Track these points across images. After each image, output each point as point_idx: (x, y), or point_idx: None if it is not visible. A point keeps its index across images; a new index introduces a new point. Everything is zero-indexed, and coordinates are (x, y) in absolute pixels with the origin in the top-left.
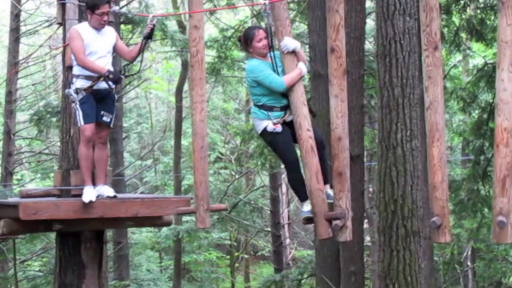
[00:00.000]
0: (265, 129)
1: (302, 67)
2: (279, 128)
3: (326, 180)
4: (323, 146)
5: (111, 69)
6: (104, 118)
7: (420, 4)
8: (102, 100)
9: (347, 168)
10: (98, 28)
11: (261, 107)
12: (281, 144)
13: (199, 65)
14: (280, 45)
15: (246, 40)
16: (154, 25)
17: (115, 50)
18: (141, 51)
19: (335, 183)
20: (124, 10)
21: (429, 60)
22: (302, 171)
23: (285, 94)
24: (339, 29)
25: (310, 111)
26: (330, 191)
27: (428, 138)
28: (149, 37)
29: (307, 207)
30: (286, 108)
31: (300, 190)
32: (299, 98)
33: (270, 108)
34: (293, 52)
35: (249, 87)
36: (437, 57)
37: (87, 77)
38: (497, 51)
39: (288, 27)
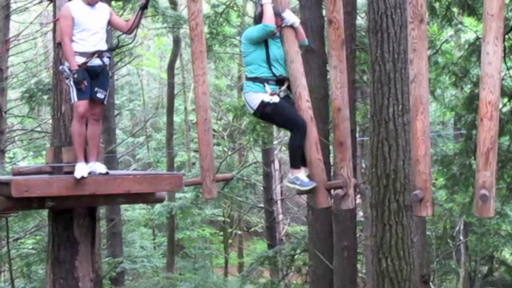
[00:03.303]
0: (262, 102)
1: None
2: (276, 98)
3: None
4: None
5: (105, 47)
6: (98, 95)
7: None
8: (96, 77)
9: (347, 137)
10: (91, 3)
11: (255, 79)
12: (286, 109)
13: (199, 38)
14: (281, 19)
15: (258, 17)
16: None
17: (111, 25)
18: (137, 22)
19: (336, 152)
20: None
21: (414, 33)
22: None
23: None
24: (336, 0)
25: None
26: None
27: (412, 111)
28: (145, 7)
29: (305, 176)
30: (281, 82)
31: (300, 156)
32: (299, 69)
33: (265, 80)
34: (292, 28)
35: (244, 56)
36: (422, 30)
37: (81, 54)
38: (483, 24)
39: None
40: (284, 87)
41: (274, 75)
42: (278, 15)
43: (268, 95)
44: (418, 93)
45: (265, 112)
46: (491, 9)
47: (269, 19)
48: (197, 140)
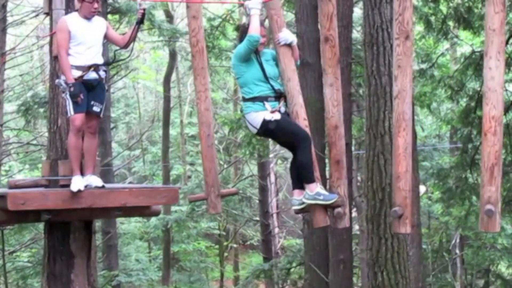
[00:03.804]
0: (264, 120)
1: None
2: (277, 115)
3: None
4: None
5: (101, 60)
6: (94, 108)
7: None
8: (92, 90)
9: (343, 155)
10: (88, 17)
11: (254, 99)
12: (290, 125)
13: (200, 55)
14: (277, 36)
15: (242, 34)
16: (144, 9)
17: (107, 39)
18: (134, 36)
19: (332, 170)
20: None
21: (399, 49)
22: None
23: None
24: (332, 18)
25: None
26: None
27: (394, 127)
28: (141, 21)
29: (322, 189)
30: (279, 97)
31: (312, 169)
32: (295, 87)
33: (264, 98)
34: (289, 46)
35: (238, 77)
36: (407, 47)
37: (78, 67)
38: (485, 39)
39: (282, 16)
40: (282, 102)
41: (274, 91)
42: (262, 25)
43: (269, 112)
44: (401, 109)
45: (268, 129)
46: (493, 24)
47: (254, 29)
48: (201, 155)
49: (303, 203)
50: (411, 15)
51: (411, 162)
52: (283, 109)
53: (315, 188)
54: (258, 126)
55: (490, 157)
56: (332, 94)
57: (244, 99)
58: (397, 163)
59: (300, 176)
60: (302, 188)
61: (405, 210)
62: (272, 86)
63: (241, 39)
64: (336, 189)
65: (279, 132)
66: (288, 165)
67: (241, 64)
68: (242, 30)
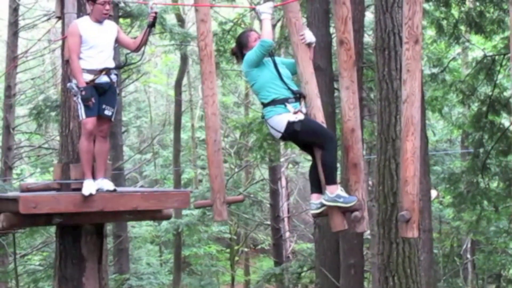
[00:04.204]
0: (288, 122)
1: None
2: (301, 115)
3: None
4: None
5: (112, 64)
6: (106, 112)
7: None
8: (104, 94)
9: (361, 159)
10: (100, 20)
11: (275, 102)
12: (315, 125)
13: (208, 59)
14: (301, 34)
15: (241, 45)
16: (156, 13)
17: (118, 43)
18: (145, 39)
19: (350, 174)
20: None
21: (409, 53)
22: None
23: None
24: (347, 21)
25: None
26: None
27: (402, 131)
28: (152, 25)
29: (343, 192)
30: (299, 98)
31: (335, 171)
32: (313, 90)
33: (285, 100)
34: (308, 46)
35: (253, 84)
36: (417, 51)
37: (89, 71)
38: (510, 43)
39: (300, 19)
40: (303, 102)
41: (292, 92)
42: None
43: (292, 114)
44: (410, 113)
45: (294, 131)
46: None
47: (267, 34)
48: (207, 161)
49: (322, 206)
50: (420, 19)
51: (419, 166)
52: (304, 110)
53: (336, 190)
54: (282, 130)
55: None
56: (349, 97)
57: (264, 104)
58: (405, 167)
59: (323, 177)
60: (320, 192)
61: (412, 214)
62: (288, 87)
63: (239, 48)
64: (354, 192)
65: (304, 133)
66: (300, 169)
67: (253, 70)
68: (240, 41)
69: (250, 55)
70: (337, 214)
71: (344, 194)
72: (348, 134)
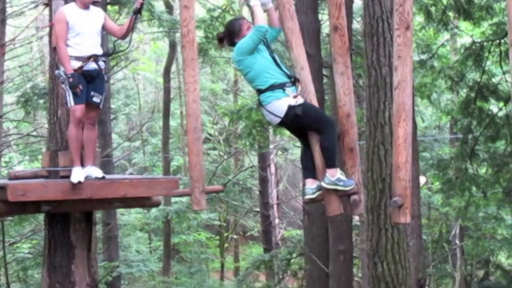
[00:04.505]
0: (289, 107)
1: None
2: (300, 99)
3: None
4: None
5: (100, 51)
6: (94, 99)
7: None
8: (92, 81)
9: (356, 143)
10: (86, 7)
11: (273, 87)
12: (316, 108)
13: (190, 45)
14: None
15: (233, 33)
16: (143, 0)
17: (105, 30)
18: (131, 27)
19: (346, 158)
20: None
21: (400, 40)
22: None
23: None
24: (340, 7)
25: None
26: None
27: (394, 117)
28: (139, 11)
29: (343, 175)
30: (294, 83)
31: (336, 154)
32: (308, 76)
33: (283, 85)
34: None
35: (247, 72)
36: (408, 37)
37: (77, 58)
38: (508, 30)
39: (293, 5)
40: (300, 86)
41: (288, 76)
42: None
43: (292, 98)
44: (402, 99)
45: (295, 115)
46: None
47: (261, 19)
48: (187, 149)
49: (317, 190)
50: (411, 5)
51: (411, 152)
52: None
53: (336, 174)
54: (282, 114)
55: None
56: (344, 83)
57: (261, 91)
58: (397, 153)
59: (323, 160)
60: (314, 177)
61: (405, 200)
62: (284, 71)
63: (229, 35)
64: (351, 176)
65: (306, 116)
66: (289, 156)
67: (247, 57)
68: (231, 29)
69: (245, 42)
70: (334, 198)
71: (343, 177)
72: (343, 119)
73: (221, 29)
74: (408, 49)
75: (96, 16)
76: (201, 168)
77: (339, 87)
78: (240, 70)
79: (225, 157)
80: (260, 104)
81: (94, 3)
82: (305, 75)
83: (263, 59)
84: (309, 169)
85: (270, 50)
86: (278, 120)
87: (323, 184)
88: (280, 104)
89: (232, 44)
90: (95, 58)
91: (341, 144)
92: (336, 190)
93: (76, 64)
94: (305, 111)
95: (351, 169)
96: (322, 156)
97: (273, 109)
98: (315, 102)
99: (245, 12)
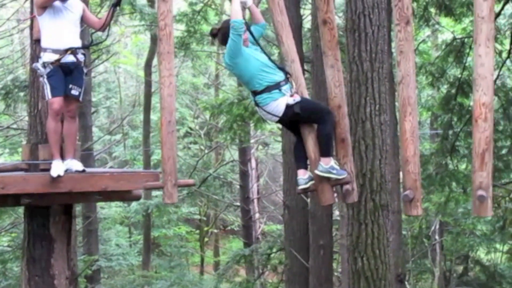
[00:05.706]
0: (287, 106)
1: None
2: (297, 97)
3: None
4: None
5: (78, 43)
6: (73, 92)
7: None
8: (70, 73)
9: (348, 133)
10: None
11: (269, 88)
12: (312, 102)
13: (167, 39)
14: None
15: (226, 33)
16: None
17: (83, 21)
18: (110, 19)
19: (338, 148)
20: None
21: (401, 35)
22: None
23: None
24: (329, 1)
25: None
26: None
27: (400, 112)
28: (117, 4)
29: (336, 164)
30: (287, 80)
31: (332, 143)
32: (299, 68)
33: (278, 85)
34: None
35: (242, 75)
36: (408, 32)
37: (54, 51)
38: (474, 27)
39: None
40: (293, 82)
41: (282, 71)
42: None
43: (289, 96)
44: (406, 94)
45: (294, 113)
46: (481, 11)
47: (234, 13)
48: (160, 142)
49: (310, 180)
50: (410, 0)
51: (418, 145)
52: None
53: (330, 162)
54: (280, 114)
55: (481, 143)
56: (334, 75)
57: (256, 93)
58: (405, 148)
59: (319, 149)
60: (306, 168)
61: (416, 193)
62: (278, 68)
63: (223, 34)
64: (343, 166)
65: (305, 112)
66: (270, 151)
67: (238, 60)
68: (223, 32)
69: (228, 45)
70: (328, 188)
71: (336, 166)
72: (335, 111)
73: (203, 23)
74: (409, 43)
75: (75, 7)
76: (174, 161)
77: (329, 80)
78: (234, 74)
79: (206, 151)
80: (257, 105)
81: None
82: (296, 67)
83: (255, 60)
84: (301, 160)
85: (260, 47)
86: (276, 119)
87: (316, 171)
88: (278, 104)
89: (223, 43)
90: (73, 51)
91: (335, 135)
92: (328, 179)
93: (54, 57)
94: (303, 107)
95: (343, 159)
96: (319, 144)
97: (271, 109)
98: (306, 95)
99: (227, 6)
